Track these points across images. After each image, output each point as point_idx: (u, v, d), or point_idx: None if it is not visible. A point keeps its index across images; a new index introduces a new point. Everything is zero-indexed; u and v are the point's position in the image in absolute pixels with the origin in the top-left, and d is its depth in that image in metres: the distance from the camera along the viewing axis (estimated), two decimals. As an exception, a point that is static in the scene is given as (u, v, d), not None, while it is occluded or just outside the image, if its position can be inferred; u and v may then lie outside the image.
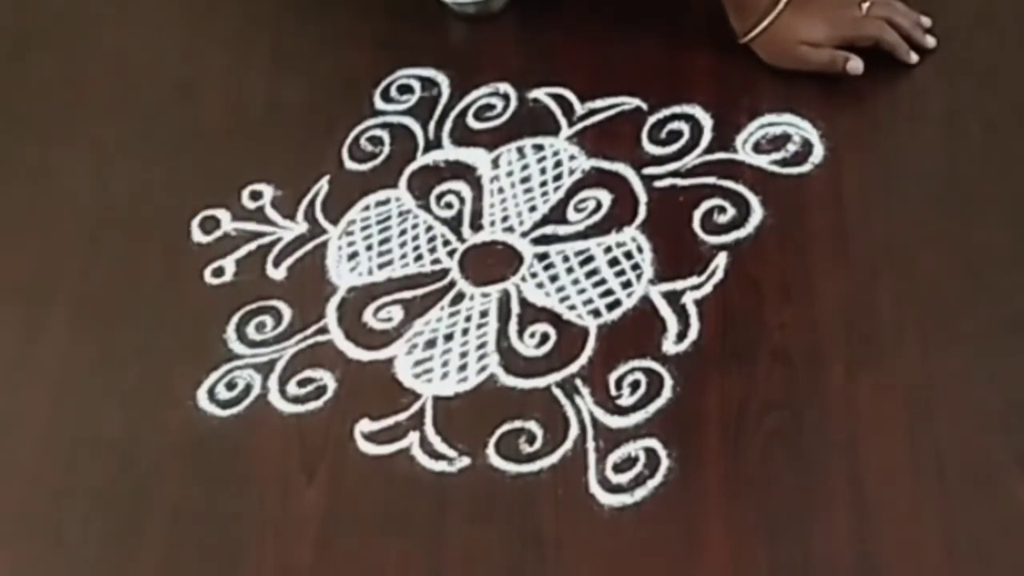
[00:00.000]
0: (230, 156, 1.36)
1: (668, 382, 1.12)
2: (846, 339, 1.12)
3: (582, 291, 1.19)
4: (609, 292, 1.18)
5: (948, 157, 1.20)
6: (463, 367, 1.17)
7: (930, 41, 1.26)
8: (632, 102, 1.29)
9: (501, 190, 1.27)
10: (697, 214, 1.21)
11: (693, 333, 1.14)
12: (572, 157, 1.28)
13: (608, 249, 1.21)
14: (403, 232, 1.27)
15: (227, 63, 1.45)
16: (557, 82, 1.33)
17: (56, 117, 1.45)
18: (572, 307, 1.18)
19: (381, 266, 1.25)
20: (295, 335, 1.22)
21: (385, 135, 1.34)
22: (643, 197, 1.23)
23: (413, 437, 1.14)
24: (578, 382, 1.14)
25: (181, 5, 1.53)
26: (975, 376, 1.08)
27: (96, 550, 1.14)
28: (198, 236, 1.30)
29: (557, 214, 1.24)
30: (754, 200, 1.21)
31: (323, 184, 1.31)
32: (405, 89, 1.36)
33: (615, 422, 1.11)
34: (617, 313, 1.17)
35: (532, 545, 1.07)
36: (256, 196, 1.32)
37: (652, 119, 1.28)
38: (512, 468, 1.10)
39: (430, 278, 1.23)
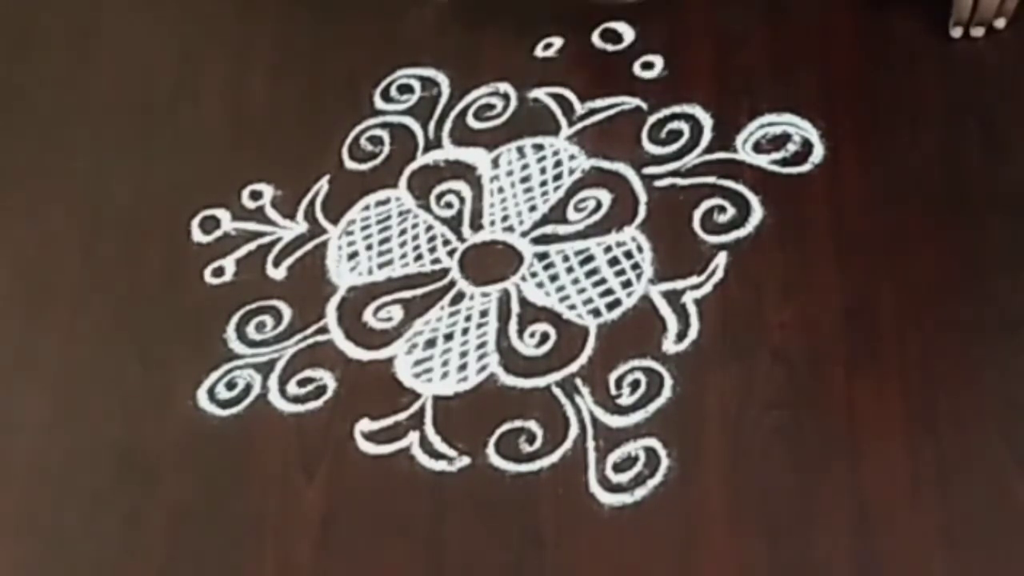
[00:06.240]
0: (230, 156, 1.36)
1: (668, 382, 1.12)
2: (846, 339, 1.12)
3: (582, 291, 1.19)
4: (609, 292, 1.18)
5: (948, 157, 1.20)
6: (463, 367, 1.17)
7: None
8: (632, 102, 1.29)
9: (501, 190, 1.27)
10: (697, 214, 1.21)
11: (693, 333, 1.14)
12: (572, 157, 1.28)
13: (608, 249, 1.21)
14: (403, 232, 1.27)
15: (227, 63, 1.45)
16: (557, 82, 1.33)
17: (56, 117, 1.45)
18: (572, 307, 1.18)
19: (381, 266, 1.25)
20: (295, 335, 1.22)
21: (385, 135, 1.34)
22: (643, 197, 1.23)
23: (413, 437, 1.14)
24: (578, 381, 1.14)
25: (181, 5, 1.53)
26: (975, 376, 1.08)
27: (96, 550, 1.14)
28: (198, 236, 1.30)
29: (557, 214, 1.24)
30: (754, 200, 1.20)
31: (323, 184, 1.31)
32: (405, 89, 1.36)
33: (615, 421, 1.11)
34: (617, 313, 1.17)
35: (532, 545, 1.07)
36: (256, 196, 1.32)
37: (652, 119, 1.28)
38: (512, 468, 1.10)
39: (430, 278, 1.23)
